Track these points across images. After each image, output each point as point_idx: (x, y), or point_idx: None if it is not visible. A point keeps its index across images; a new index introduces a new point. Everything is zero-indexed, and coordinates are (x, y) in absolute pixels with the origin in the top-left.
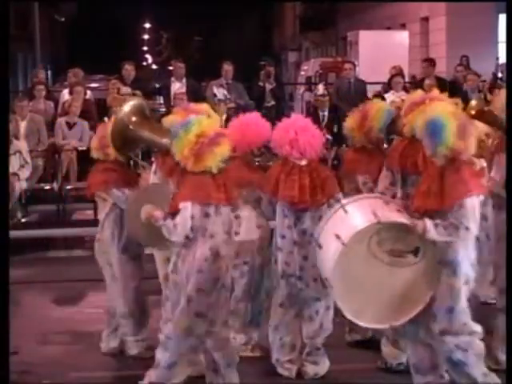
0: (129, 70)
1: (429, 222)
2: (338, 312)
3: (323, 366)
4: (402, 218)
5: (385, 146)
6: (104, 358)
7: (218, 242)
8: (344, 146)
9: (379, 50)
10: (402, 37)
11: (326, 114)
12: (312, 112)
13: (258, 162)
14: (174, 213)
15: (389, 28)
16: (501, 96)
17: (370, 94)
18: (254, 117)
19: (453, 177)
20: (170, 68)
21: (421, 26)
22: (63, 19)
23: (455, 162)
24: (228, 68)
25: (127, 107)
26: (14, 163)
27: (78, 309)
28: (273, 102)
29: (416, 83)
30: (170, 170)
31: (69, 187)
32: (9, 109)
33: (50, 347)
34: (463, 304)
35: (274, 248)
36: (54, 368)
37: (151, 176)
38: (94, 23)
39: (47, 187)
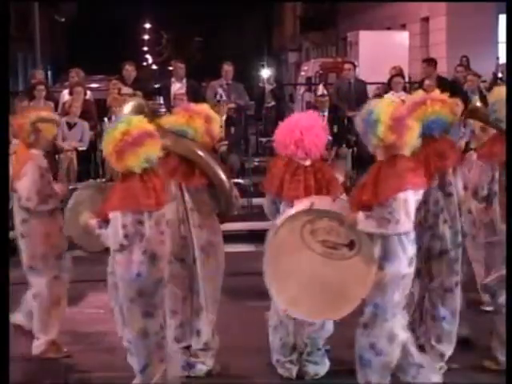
0: (129, 70)
1: (360, 214)
2: None
3: (323, 367)
4: (335, 209)
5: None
6: (104, 359)
7: (154, 244)
8: (344, 145)
9: (379, 51)
10: (402, 37)
11: (326, 114)
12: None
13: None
14: (107, 220)
15: (389, 28)
16: (494, 93)
17: (370, 95)
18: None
19: (388, 171)
20: (171, 68)
21: (421, 27)
22: (63, 19)
23: (394, 156)
24: (228, 68)
25: (127, 108)
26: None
27: (78, 309)
28: (273, 103)
29: (416, 83)
30: (172, 170)
31: (69, 187)
32: (9, 109)
33: None
34: (391, 300)
35: None
36: (56, 368)
37: None
38: (94, 23)
39: None
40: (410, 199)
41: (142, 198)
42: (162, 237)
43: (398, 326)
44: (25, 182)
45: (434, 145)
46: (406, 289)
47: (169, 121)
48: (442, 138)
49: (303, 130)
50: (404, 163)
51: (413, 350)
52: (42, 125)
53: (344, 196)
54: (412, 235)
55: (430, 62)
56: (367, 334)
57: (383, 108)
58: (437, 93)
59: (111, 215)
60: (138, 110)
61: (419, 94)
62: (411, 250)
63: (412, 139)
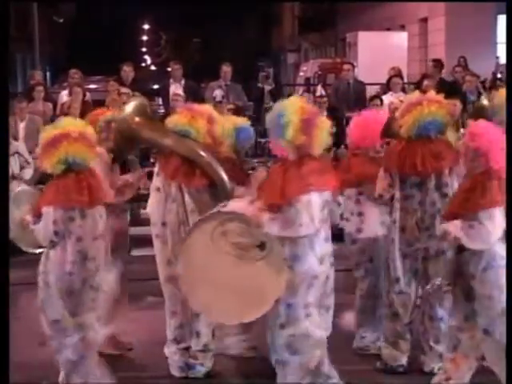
0: (127, 71)
1: (265, 216)
2: (337, 313)
3: None
4: (245, 211)
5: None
6: (104, 359)
7: (86, 244)
8: (342, 146)
9: (378, 51)
10: (401, 38)
11: (325, 115)
12: None
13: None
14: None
15: (388, 29)
16: (499, 94)
17: (369, 95)
18: (375, 113)
19: (293, 172)
20: (169, 69)
21: (420, 27)
22: (62, 20)
23: (302, 157)
24: (227, 69)
25: (129, 107)
26: (12, 164)
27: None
28: (271, 103)
29: (415, 84)
30: (173, 172)
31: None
32: (8, 110)
33: (49, 348)
34: (304, 300)
35: None
36: (52, 369)
37: (154, 177)
38: (93, 24)
39: None
40: (313, 201)
41: (74, 194)
42: (97, 236)
43: (314, 325)
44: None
45: (430, 146)
46: (320, 288)
47: (171, 120)
48: (438, 139)
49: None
50: (310, 165)
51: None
52: (116, 125)
53: (340, 198)
54: (323, 234)
55: (437, 64)
56: (283, 335)
57: (292, 109)
58: (432, 93)
59: (44, 210)
60: (140, 110)
61: (415, 95)
62: (322, 249)
63: (321, 139)
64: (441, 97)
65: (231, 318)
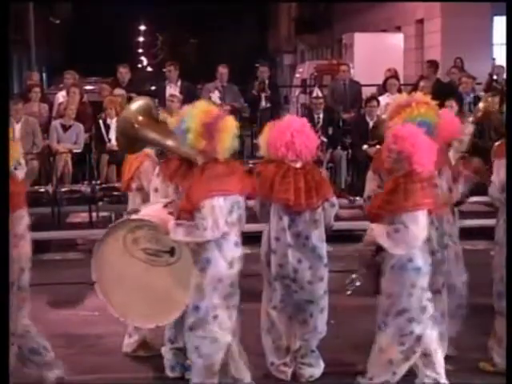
0: (123, 72)
1: (171, 223)
2: (332, 314)
3: (318, 368)
4: (155, 219)
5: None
6: (99, 361)
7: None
8: (339, 148)
9: (374, 53)
10: (397, 39)
11: (321, 116)
12: (307, 114)
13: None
14: None
15: (384, 30)
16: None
17: (365, 96)
18: (447, 112)
19: (197, 177)
20: (166, 70)
21: (416, 29)
22: (58, 21)
23: (207, 162)
24: (223, 71)
25: (134, 106)
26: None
27: (72, 311)
28: (268, 105)
29: (411, 85)
30: (172, 173)
31: (63, 190)
32: (9, 109)
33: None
34: (211, 303)
35: (267, 250)
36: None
37: (153, 178)
38: (89, 25)
39: (42, 190)
40: (217, 205)
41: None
42: (17, 240)
43: (221, 327)
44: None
45: None
46: (225, 289)
47: (172, 122)
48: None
49: (294, 132)
50: (213, 169)
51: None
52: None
53: (334, 199)
54: (232, 238)
55: (432, 65)
56: (192, 337)
57: (193, 114)
58: (420, 95)
59: None
60: (145, 110)
61: (403, 97)
62: (232, 252)
63: (225, 143)
64: (429, 98)
65: (146, 322)
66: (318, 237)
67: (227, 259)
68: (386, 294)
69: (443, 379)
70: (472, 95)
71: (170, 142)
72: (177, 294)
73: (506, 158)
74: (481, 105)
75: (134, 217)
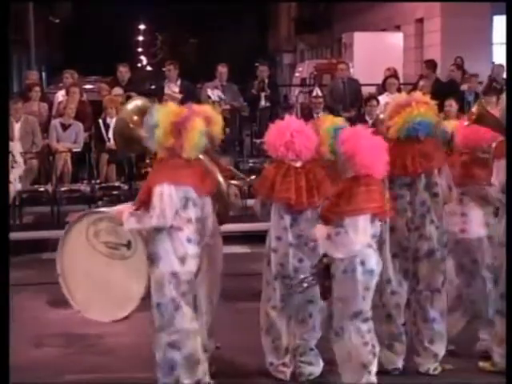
0: (123, 71)
1: (125, 213)
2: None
3: (318, 367)
4: (114, 211)
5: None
6: (99, 360)
7: None
8: None
9: (374, 52)
10: (397, 38)
11: (321, 115)
12: (306, 113)
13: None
14: None
15: (383, 30)
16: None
17: (364, 96)
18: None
19: (155, 168)
20: (165, 69)
21: (415, 28)
22: (58, 21)
23: (169, 156)
24: (222, 70)
25: (130, 106)
26: None
27: (72, 311)
28: (267, 104)
29: (411, 84)
30: None
31: (63, 189)
32: (8, 110)
33: (45, 349)
34: (169, 297)
35: (268, 249)
36: (49, 370)
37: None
38: (89, 25)
39: (41, 189)
40: (166, 193)
41: None
42: None
43: (187, 319)
44: None
45: (419, 146)
46: (182, 286)
47: None
48: (427, 140)
49: (294, 132)
50: (171, 161)
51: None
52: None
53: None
54: (185, 234)
55: (430, 64)
56: (164, 335)
57: (164, 112)
58: (419, 94)
59: None
60: (141, 110)
61: (402, 96)
62: (184, 248)
63: (192, 142)
64: (428, 98)
65: (106, 316)
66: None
67: (178, 254)
68: (340, 297)
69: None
70: (473, 94)
71: None
72: (133, 288)
73: (506, 158)
74: (475, 108)
75: (91, 210)
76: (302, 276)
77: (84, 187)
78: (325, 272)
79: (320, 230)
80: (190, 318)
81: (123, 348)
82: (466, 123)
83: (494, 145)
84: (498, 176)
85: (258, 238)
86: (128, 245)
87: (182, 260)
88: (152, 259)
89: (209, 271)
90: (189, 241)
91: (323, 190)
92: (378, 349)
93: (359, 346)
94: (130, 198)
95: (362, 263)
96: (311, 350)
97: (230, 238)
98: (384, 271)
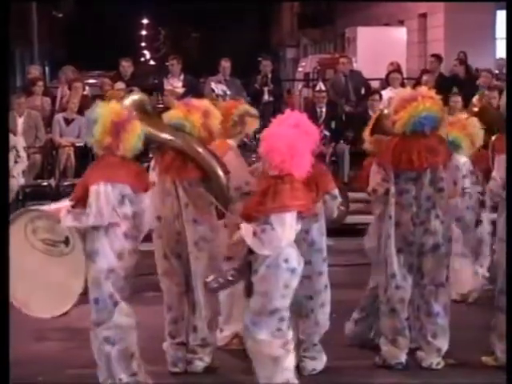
0: (126, 66)
1: (63, 211)
2: (335, 308)
3: (321, 362)
4: (52, 208)
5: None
6: None
7: None
8: (342, 141)
9: (377, 47)
10: (400, 33)
11: (324, 110)
12: (310, 108)
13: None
14: None
15: (387, 24)
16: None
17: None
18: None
19: (92, 167)
20: (168, 64)
21: (419, 23)
22: (61, 15)
23: (104, 155)
24: (226, 64)
25: (128, 101)
26: (11, 159)
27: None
28: (270, 99)
29: (414, 79)
30: (167, 166)
31: (66, 183)
32: (8, 107)
33: (46, 343)
34: (107, 293)
35: None
36: (50, 364)
37: (150, 172)
38: (92, 19)
39: (44, 183)
40: (103, 192)
41: None
42: None
43: (124, 315)
44: (235, 170)
45: (424, 141)
46: (119, 281)
47: (167, 115)
48: (433, 134)
49: (290, 126)
50: (107, 160)
51: None
52: (248, 119)
53: (336, 191)
54: (122, 230)
55: (437, 58)
56: (101, 330)
57: (104, 111)
58: (425, 89)
59: None
60: (139, 105)
61: (408, 91)
62: (121, 244)
63: (129, 143)
64: (433, 92)
65: (46, 312)
66: (317, 230)
67: (116, 250)
68: (260, 292)
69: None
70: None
71: (164, 135)
72: (71, 285)
73: (506, 154)
74: (476, 100)
75: (32, 207)
76: (216, 274)
77: None
78: (247, 269)
79: (245, 229)
80: (126, 313)
81: None
82: (466, 116)
83: (494, 139)
84: (498, 171)
85: None
86: (66, 241)
87: (120, 256)
88: (89, 255)
89: (208, 265)
90: (126, 236)
91: (322, 184)
92: (292, 345)
93: (271, 343)
94: None
95: (286, 261)
96: (314, 345)
97: None
98: (389, 266)
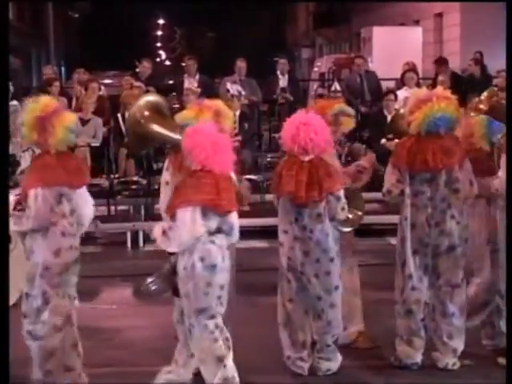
0: (146, 66)
1: (14, 212)
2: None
3: (336, 362)
4: None
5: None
6: (115, 354)
7: None
8: (357, 141)
9: (393, 47)
10: (416, 33)
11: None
12: None
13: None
14: None
15: (402, 24)
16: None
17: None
18: None
19: (30, 168)
20: (184, 64)
21: (434, 22)
22: (77, 16)
23: (41, 153)
24: (241, 64)
25: (142, 102)
26: (27, 159)
27: (90, 305)
28: (288, 96)
29: (429, 79)
30: (179, 166)
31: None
32: (8, 108)
33: None
34: (38, 289)
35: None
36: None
37: (163, 172)
38: (108, 20)
39: None
40: (41, 195)
41: None
42: None
43: (54, 312)
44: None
45: (440, 141)
46: (54, 277)
47: (180, 115)
48: (448, 135)
49: (299, 125)
50: (43, 160)
51: None
52: (343, 118)
53: (340, 192)
54: (59, 229)
55: (441, 62)
56: (26, 322)
57: (30, 108)
58: (440, 89)
59: None
60: (153, 106)
61: (423, 91)
62: (58, 242)
63: (56, 138)
64: (448, 92)
65: None
66: (321, 231)
67: (52, 248)
68: (183, 293)
69: None
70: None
71: (177, 136)
72: (15, 281)
73: (507, 157)
74: (484, 98)
75: None
76: (149, 279)
77: (103, 182)
78: (173, 270)
79: (156, 227)
80: (59, 312)
81: (139, 342)
82: (473, 114)
83: (500, 137)
84: (504, 170)
85: (276, 232)
86: (9, 240)
87: (56, 253)
88: (27, 252)
89: None
90: (63, 234)
91: (326, 184)
92: (230, 342)
93: (210, 343)
94: (148, 192)
95: (202, 259)
96: (328, 346)
97: (248, 233)
98: (406, 267)
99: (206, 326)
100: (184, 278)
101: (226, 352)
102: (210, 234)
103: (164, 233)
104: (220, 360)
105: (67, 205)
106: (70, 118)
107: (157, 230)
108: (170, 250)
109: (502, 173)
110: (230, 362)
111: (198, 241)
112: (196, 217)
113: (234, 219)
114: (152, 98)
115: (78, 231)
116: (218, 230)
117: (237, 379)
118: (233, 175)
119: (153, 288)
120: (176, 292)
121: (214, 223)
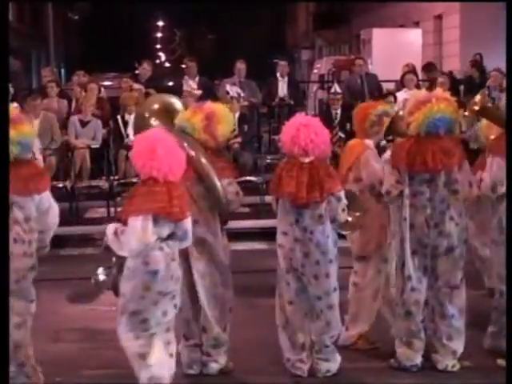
0: (146, 68)
1: None
2: (346, 310)
3: (335, 363)
4: None
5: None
6: (116, 356)
7: None
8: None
9: (392, 48)
10: (416, 35)
11: (339, 111)
12: (325, 110)
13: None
14: None
15: (402, 26)
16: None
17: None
18: None
19: None
20: (184, 66)
21: (434, 24)
22: (77, 17)
23: None
24: (241, 66)
25: (151, 103)
26: None
27: (90, 306)
28: (287, 101)
29: (429, 81)
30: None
31: (82, 185)
32: (8, 108)
33: (63, 345)
34: None
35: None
36: (67, 365)
37: None
38: (107, 21)
39: (60, 185)
40: None
41: None
42: None
43: (13, 312)
44: (375, 170)
45: (439, 142)
46: (11, 285)
47: (179, 117)
48: (447, 136)
49: (299, 126)
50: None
51: None
52: (386, 119)
53: (341, 193)
54: (12, 235)
55: (428, 68)
56: None
57: None
58: (440, 91)
59: None
60: (168, 109)
61: (422, 93)
62: (10, 248)
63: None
64: (447, 94)
65: None
66: (321, 232)
67: (25, 250)
68: (122, 292)
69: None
70: (498, 89)
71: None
72: None
73: (506, 157)
74: (478, 98)
75: None
76: (99, 270)
77: (103, 183)
78: (120, 268)
79: (109, 229)
80: (18, 313)
81: None
82: (467, 113)
83: (491, 138)
84: (490, 172)
85: (276, 234)
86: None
87: (27, 255)
88: None
89: (209, 267)
90: (15, 241)
91: (327, 185)
92: (173, 345)
93: (131, 343)
94: None
95: (146, 263)
96: (326, 346)
97: (247, 235)
98: (405, 268)
99: (136, 328)
100: (125, 278)
101: (148, 350)
102: (161, 240)
103: (116, 234)
104: (143, 358)
105: (19, 212)
106: (23, 129)
107: (110, 229)
108: (120, 253)
109: (485, 174)
110: (153, 360)
111: (147, 245)
112: (147, 225)
113: (188, 225)
114: (166, 99)
115: (34, 237)
116: (171, 235)
117: (165, 380)
118: (227, 179)
119: (100, 279)
120: (115, 290)
121: (166, 230)
